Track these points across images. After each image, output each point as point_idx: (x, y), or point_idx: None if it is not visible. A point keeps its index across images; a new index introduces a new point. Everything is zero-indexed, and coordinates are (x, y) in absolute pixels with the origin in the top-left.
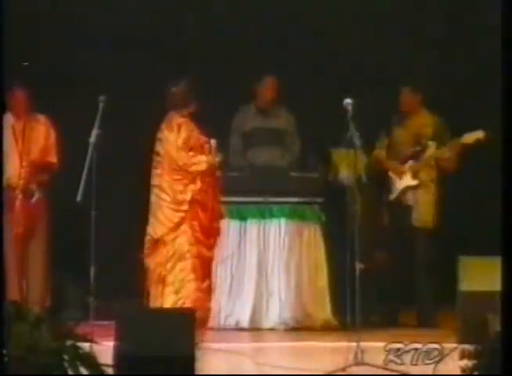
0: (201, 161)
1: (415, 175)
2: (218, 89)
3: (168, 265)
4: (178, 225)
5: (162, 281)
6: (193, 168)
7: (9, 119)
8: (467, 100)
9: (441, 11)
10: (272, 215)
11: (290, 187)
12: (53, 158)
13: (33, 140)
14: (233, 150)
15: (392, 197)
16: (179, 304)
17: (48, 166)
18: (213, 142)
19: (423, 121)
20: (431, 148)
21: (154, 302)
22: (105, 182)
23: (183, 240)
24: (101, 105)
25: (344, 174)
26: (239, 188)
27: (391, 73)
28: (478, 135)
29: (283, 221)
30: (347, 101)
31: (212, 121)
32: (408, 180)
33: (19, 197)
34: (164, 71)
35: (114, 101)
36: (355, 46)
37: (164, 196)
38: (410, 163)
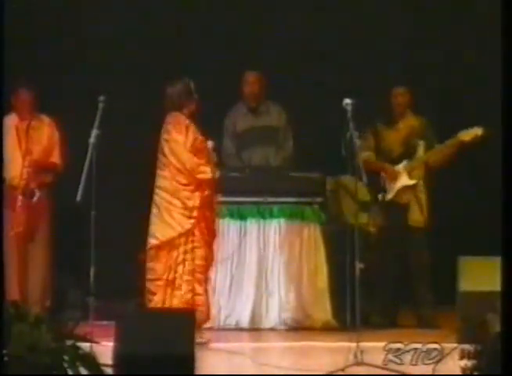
0: (207, 171)
1: (411, 175)
2: (216, 89)
3: (179, 268)
4: (189, 231)
5: (171, 284)
6: (200, 176)
7: (13, 119)
8: (466, 97)
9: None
10: (271, 215)
11: (289, 187)
12: (56, 159)
13: (36, 141)
14: (226, 152)
15: (389, 196)
16: (190, 305)
17: (51, 167)
18: (210, 143)
19: (412, 123)
20: (421, 147)
21: (161, 305)
22: (105, 182)
23: (195, 243)
24: (101, 105)
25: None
26: (239, 188)
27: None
28: (477, 131)
29: (282, 221)
30: (347, 101)
31: (208, 122)
32: (405, 180)
33: (20, 197)
34: (164, 71)
35: (114, 101)
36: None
37: (173, 200)
38: (404, 163)
